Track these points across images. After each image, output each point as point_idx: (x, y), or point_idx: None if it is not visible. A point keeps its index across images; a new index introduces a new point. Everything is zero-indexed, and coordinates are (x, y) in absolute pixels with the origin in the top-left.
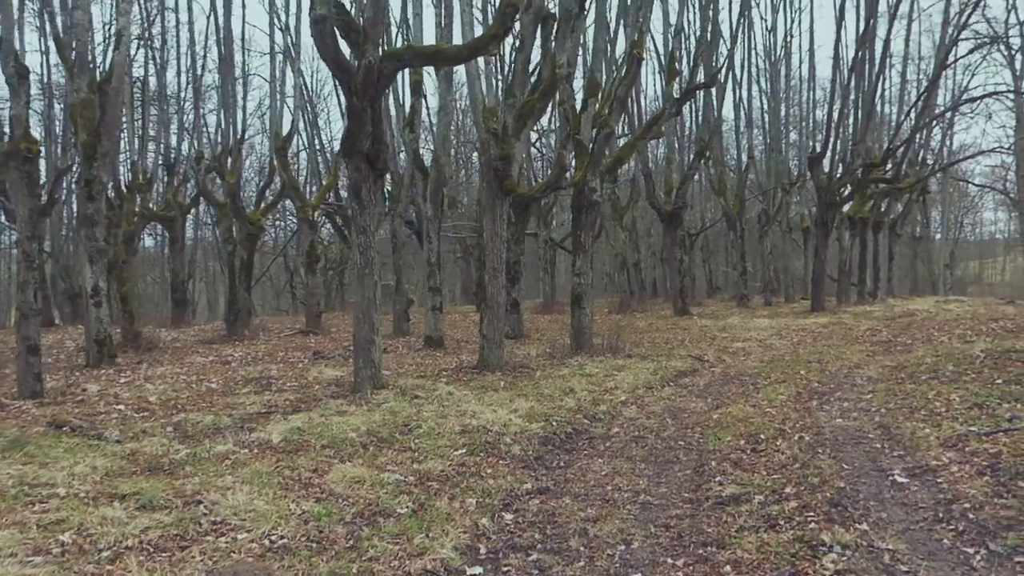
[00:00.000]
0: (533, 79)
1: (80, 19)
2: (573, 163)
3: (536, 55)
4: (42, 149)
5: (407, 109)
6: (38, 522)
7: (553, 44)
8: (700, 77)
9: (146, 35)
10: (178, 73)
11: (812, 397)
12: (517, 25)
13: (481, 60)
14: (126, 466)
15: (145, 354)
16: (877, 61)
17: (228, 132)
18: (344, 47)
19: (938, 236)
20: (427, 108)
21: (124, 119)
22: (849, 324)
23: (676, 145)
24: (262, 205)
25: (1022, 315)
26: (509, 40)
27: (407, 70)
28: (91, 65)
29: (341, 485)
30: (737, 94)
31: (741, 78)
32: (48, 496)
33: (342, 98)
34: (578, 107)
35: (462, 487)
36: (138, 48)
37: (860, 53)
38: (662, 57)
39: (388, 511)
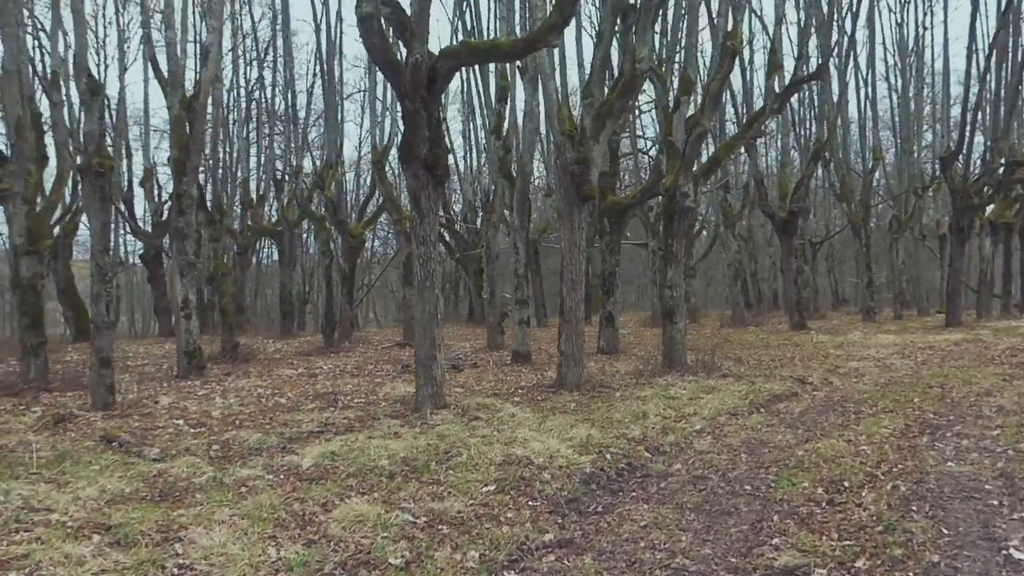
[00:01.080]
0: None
1: (171, 37)
2: None
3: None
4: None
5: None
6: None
7: (634, 37)
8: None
9: (259, 54)
10: (284, 90)
11: (924, 431)
12: (593, 17)
13: (556, 56)
14: (140, 489)
15: (241, 365)
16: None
17: (331, 147)
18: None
19: None
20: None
21: (231, 136)
22: (987, 342)
23: (795, 146)
24: (364, 218)
25: None
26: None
27: (492, 73)
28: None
29: (341, 525)
30: (862, 91)
31: (867, 74)
32: (38, 523)
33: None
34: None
35: (472, 534)
36: (250, 67)
37: (1000, 33)
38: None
39: (377, 561)
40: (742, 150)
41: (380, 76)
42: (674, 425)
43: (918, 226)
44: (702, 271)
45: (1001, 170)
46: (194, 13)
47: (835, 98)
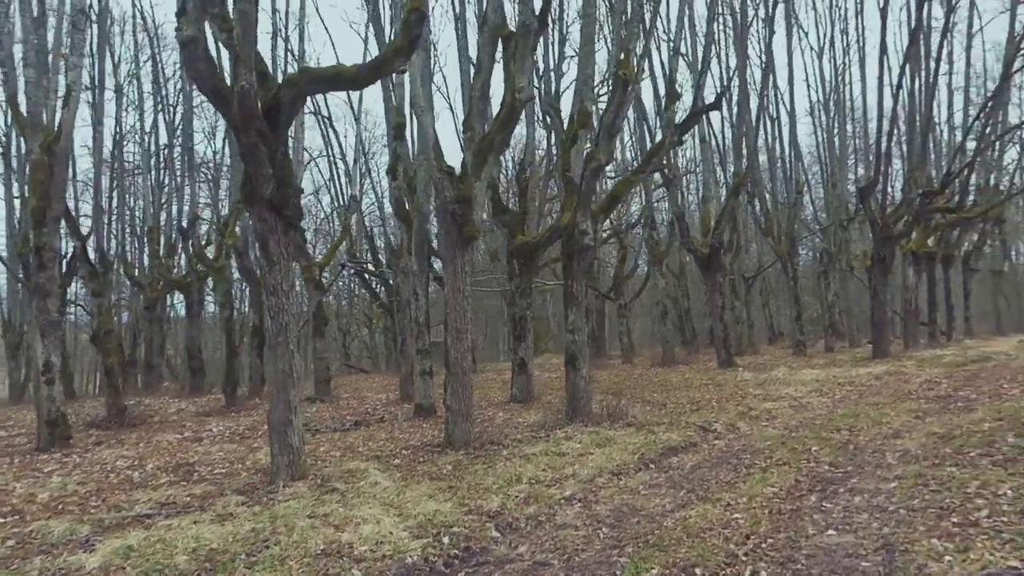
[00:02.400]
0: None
1: (30, 76)
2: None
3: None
4: None
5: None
6: None
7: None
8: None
9: (159, 100)
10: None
11: (814, 488)
12: (473, 45)
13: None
14: None
15: (125, 431)
16: (928, 77)
17: (236, 191)
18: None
19: None
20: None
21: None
22: (909, 373)
23: (723, 181)
24: None
25: None
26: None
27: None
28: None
29: None
30: (786, 128)
31: (775, 107)
32: None
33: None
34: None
35: None
36: (156, 112)
37: (906, 67)
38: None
39: None
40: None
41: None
42: (543, 492)
43: (845, 258)
44: (647, 308)
45: (917, 201)
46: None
47: (752, 132)
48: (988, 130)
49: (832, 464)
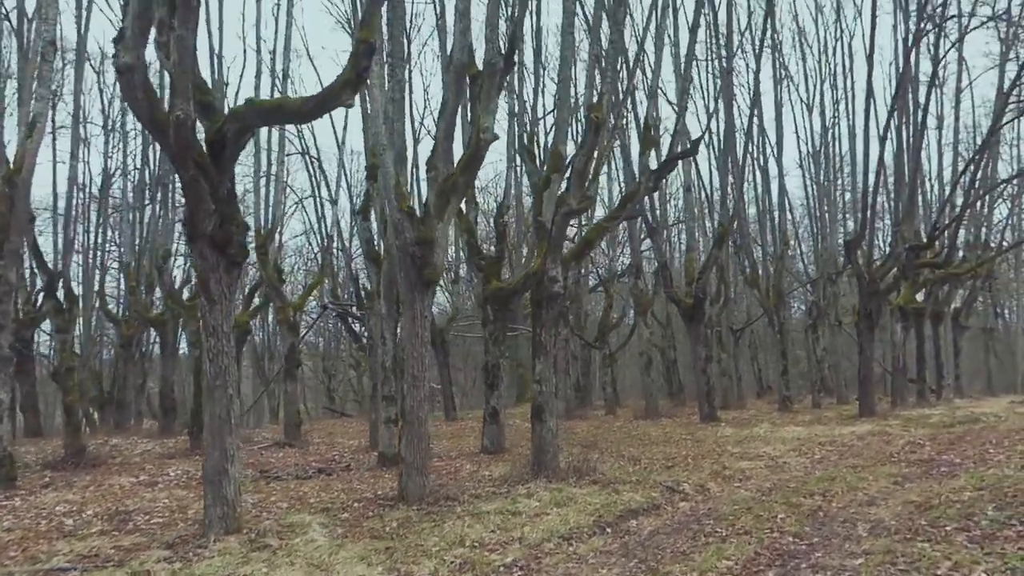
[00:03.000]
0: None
1: None
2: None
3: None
4: None
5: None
6: None
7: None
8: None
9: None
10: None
11: (774, 562)
12: (439, 82)
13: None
14: None
15: (81, 472)
16: (915, 129)
17: None
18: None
19: None
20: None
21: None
22: (893, 434)
23: (705, 230)
24: (252, 306)
25: None
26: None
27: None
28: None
29: None
30: (760, 175)
31: (764, 158)
32: None
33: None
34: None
35: None
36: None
37: (891, 119)
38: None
39: None
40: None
41: (267, 154)
42: (483, 557)
43: (834, 312)
44: (635, 358)
45: (904, 255)
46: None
47: (738, 182)
48: (977, 185)
49: (797, 535)
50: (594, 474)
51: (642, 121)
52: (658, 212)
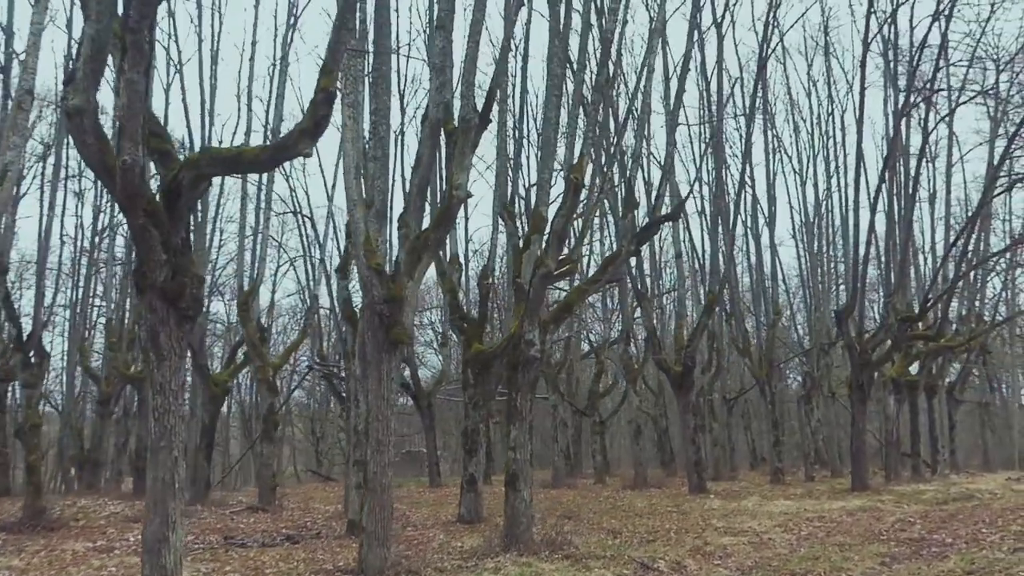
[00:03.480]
0: None
1: None
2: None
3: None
4: None
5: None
6: None
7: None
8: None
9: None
10: None
11: None
12: (413, 138)
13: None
14: None
15: (36, 536)
16: (905, 201)
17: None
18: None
19: None
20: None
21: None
22: (884, 510)
23: (698, 298)
24: (233, 364)
25: None
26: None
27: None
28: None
29: None
30: (754, 244)
31: (755, 226)
32: None
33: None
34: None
35: None
36: None
37: (881, 189)
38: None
39: None
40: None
41: (252, 207)
42: None
43: (827, 383)
44: (627, 426)
45: (895, 327)
46: None
47: (728, 249)
48: (969, 256)
49: None
50: (568, 547)
51: (649, 183)
52: (648, 278)
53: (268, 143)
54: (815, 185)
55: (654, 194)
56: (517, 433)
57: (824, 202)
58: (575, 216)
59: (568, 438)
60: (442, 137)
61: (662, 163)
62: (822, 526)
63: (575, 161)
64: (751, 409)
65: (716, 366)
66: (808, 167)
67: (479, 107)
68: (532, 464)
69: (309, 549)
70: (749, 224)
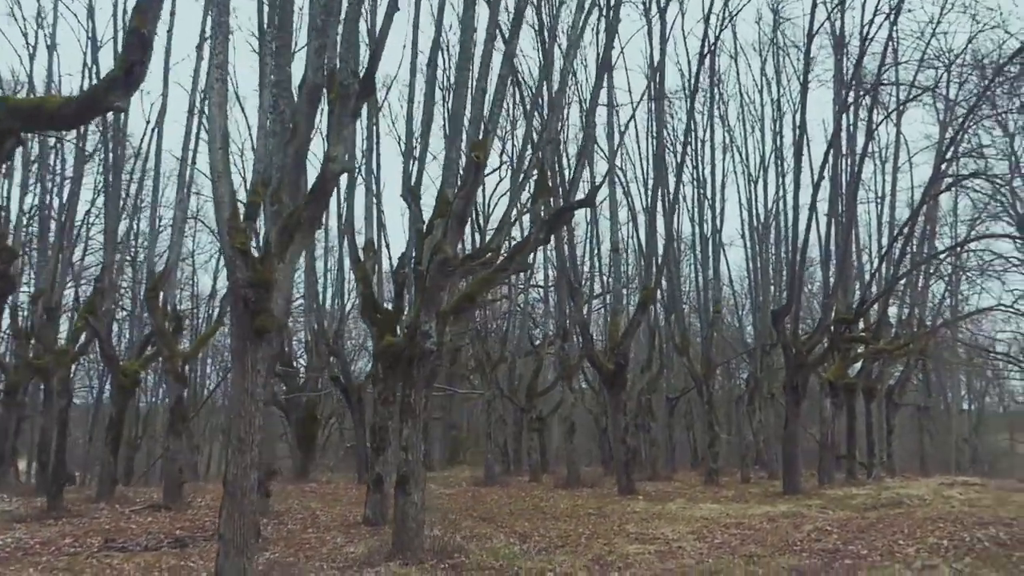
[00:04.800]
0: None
1: None
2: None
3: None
4: None
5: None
6: None
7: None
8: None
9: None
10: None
11: None
12: (285, 106)
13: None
14: None
15: None
16: (847, 200)
17: (108, 268)
18: None
19: (965, 406)
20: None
21: None
22: (807, 516)
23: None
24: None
25: None
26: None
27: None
28: None
29: None
30: (701, 243)
31: (701, 220)
32: None
33: None
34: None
35: None
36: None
37: (819, 186)
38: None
39: None
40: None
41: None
42: None
43: (767, 384)
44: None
45: (832, 328)
46: None
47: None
48: (908, 259)
49: None
50: (459, 556)
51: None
52: (584, 272)
53: (75, 94)
54: (765, 185)
55: (607, 180)
56: (410, 432)
57: (776, 203)
58: (517, 202)
59: (506, 435)
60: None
61: (580, 147)
62: (739, 533)
63: (479, 138)
64: (693, 409)
65: (660, 364)
66: (757, 166)
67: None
68: (464, 459)
69: (188, 555)
70: (698, 223)
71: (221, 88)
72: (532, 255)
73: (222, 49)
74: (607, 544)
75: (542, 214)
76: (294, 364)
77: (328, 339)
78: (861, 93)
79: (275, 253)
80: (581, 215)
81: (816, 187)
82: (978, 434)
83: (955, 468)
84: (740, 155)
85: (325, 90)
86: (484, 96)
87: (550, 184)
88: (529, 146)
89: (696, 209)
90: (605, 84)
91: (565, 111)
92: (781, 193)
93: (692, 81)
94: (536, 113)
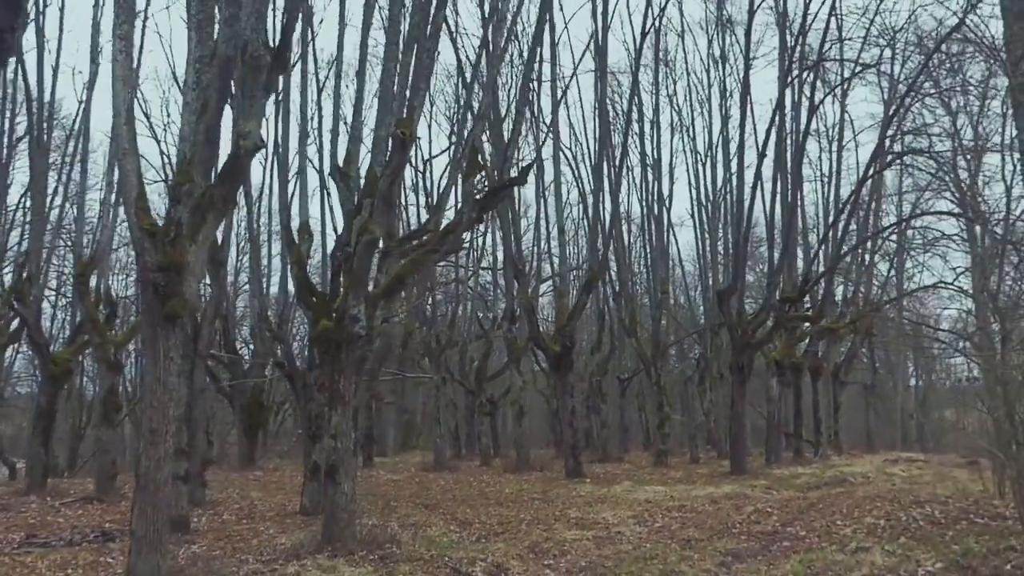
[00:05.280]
0: None
1: None
2: None
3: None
4: None
5: None
6: None
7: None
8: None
9: None
10: None
11: None
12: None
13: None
14: None
15: None
16: (792, 178)
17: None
18: None
19: (912, 382)
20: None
21: None
22: (750, 497)
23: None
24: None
25: (969, 489)
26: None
27: None
28: None
29: None
30: (654, 224)
31: (649, 200)
32: None
33: None
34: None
35: None
36: None
37: (762, 164)
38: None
39: None
40: None
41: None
42: None
43: (716, 364)
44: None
45: (776, 307)
46: None
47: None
48: (850, 236)
49: None
50: (391, 546)
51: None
52: (528, 253)
53: None
54: (713, 165)
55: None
56: (339, 420)
57: (725, 183)
58: (456, 181)
59: (457, 419)
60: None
61: (514, 123)
62: (680, 517)
63: (404, 113)
64: (645, 390)
65: (611, 346)
66: (706, 146)
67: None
68: (417, 444)
69: (109, 551)
70: (648, 203)
71: (125, 60)
72: (466, 235)
73: (127, 18)
74: (547, 530)
75: (476, 194)
76: (240, 351)
77: (272, 324)
78: (804, 69)
79: (186, 235)
80: (532, 196)
81: (759, 164)
82: (924, 410)
83: (901, 444)
84: (689, 135)
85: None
86: (410, 71)
87: (482, 162)
88: (468, 125)
89: (643, 189)
90: (550, 61)
91: (504, 88)
92: (728, 173)
93: (635, 59)
94: (474, 90)
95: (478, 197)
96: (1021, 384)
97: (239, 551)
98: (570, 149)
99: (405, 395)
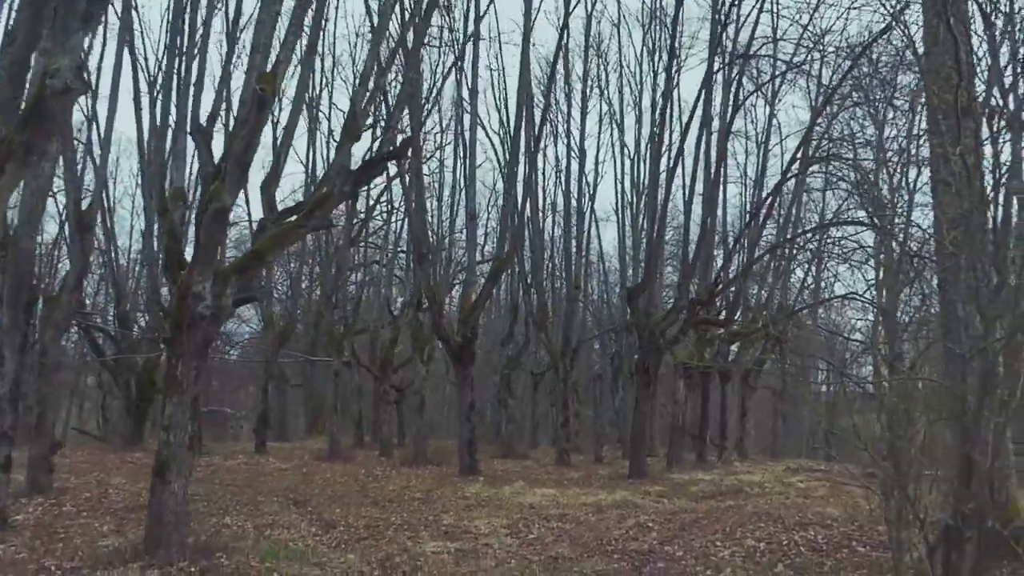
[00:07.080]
0: None
1: None
2: None
3: None
4: None
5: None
6: None
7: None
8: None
9: None
10: None
11: None
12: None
13: None
14: None
15: None
16: (711, 178)
17: None
18: None
19: (824, 389)
20: None
21: None
22: (638, 507)
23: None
24: None
25: (859, 509)
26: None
27: None
28: None
29: None
30: (576, 218)
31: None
32: None
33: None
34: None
35: None
36: None
37: (678, 166)
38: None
39: None
40: None
41: None
42: None
43: (626, 364)
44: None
45: (687, 309)
46: None
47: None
48: (763, 242)
49: None
50: (221, 556)
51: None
52: (435, 237)
53: None
54: (640, 161)
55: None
56: (174, 409)
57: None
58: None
59: (362, 406)
60: None
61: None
62: (557, 527)
63: (266, 68)
64: (556, 386)
65: (525, 339)
66: (635, 140)
67: None
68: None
69: None
70: (573, 196)
71: None
72: (337, 211)
73: None
74: (412, 538)
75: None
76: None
77: (160, 299)
78: (729, 62)
79: None
80: (450, 177)
81: (677, 158)
82: (831, 418)
83: (807, 452)
84: (619, 128)
85: None
86: (277, 18)
87: (359, 130)
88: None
89: (567, 179)
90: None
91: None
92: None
93: (560, 38)
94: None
95: (352, 170)
96: (904, 409)
97: (51, 553)
98: (497, 134)
99: (315, 378)
